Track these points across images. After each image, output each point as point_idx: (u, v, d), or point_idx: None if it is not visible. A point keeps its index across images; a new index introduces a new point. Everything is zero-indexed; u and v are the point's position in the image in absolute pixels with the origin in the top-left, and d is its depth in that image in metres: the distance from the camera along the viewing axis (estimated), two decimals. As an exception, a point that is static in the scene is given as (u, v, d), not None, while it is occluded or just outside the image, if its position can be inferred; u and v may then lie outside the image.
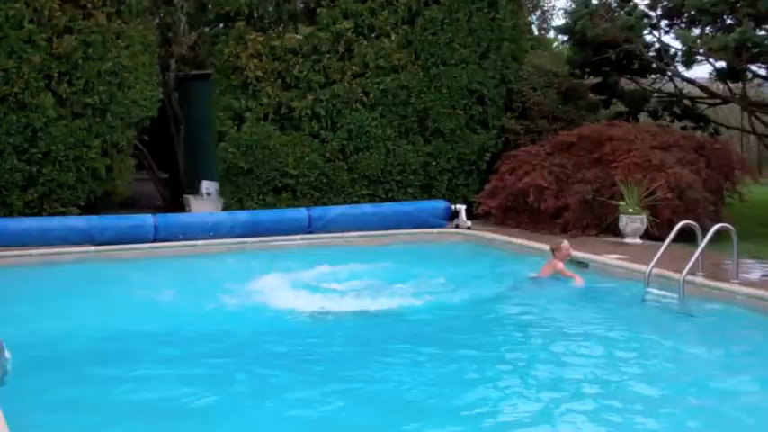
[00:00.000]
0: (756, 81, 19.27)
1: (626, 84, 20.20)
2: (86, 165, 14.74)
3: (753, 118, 18.89)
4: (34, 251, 12.54)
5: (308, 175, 15.58)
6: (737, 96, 18.70)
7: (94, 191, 15.04)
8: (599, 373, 7.26)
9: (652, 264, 9.95)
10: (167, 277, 11.26)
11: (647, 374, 7.24)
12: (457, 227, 14.93)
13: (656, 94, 19.73)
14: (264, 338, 8.60)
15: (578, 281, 10.84)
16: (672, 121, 19.27)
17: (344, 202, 15.52)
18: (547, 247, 11.55)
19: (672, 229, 10.42)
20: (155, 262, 12.66)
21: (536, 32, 24.18)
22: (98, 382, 7.08)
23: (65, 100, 14.53)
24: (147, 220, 13.81)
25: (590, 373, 7.21)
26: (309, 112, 15.62)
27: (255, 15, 15.80)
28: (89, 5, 14.63)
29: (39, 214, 14.32)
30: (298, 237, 13.75)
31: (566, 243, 11.24)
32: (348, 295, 9.88)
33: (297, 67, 15.60)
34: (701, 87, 19.38)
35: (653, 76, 19.68)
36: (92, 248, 12.88)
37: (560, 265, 11.05)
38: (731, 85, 18.85)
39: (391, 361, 7.70)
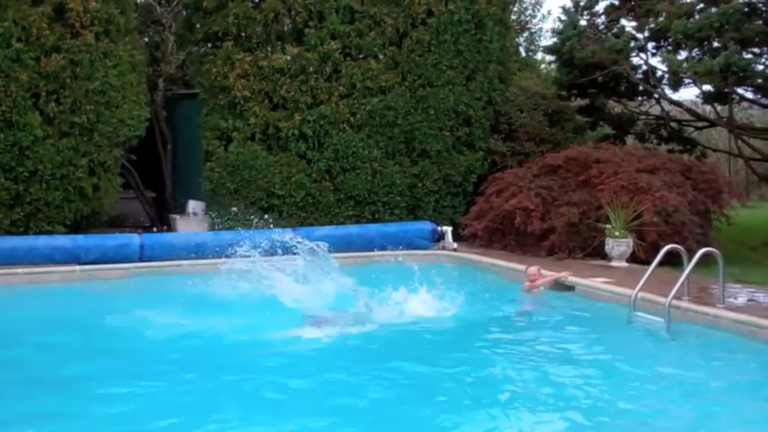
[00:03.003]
0: (744, 104, 19.35)
1: (613, 106, 20.27)
2: (73, 184, 14.72)
3: (740, 141, 18.95)
4: (20, 270, 12.51)
5: (294, 195, 15.57)
6: (724, 119, 18.77)
7: (81, 210, 15.01)
8: (582, 396, 7.24)
9: (638, 287, 9.95)
10: (153, 296, 11.22)
11: (629, 398, 7.22)
12: (443, 248, 14.94)
13: (642, 117, 19.81)
14: (255, 354, 8.60)
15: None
16: (659, 144, 19.35)
17: (330, 223, 15.51)
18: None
19: (658, 252, 10.43)
20: (140, 281, 12.62)
21: (523, 54, 24.30)
22: (83, 401, 7.05)
23: (52, 119, 14.51)
24: (134, 239, 13.77)
25: (572, 396, 7.20)
26: (296, 132, 15.63)
27: (243, 36, 15.87)
28: (77, 24, 14.64)
29: (25, 233, 14.27)
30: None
31: (531, 269, 11.71)
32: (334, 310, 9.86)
33: (284, 87, 15.62)
34: (688, 110, 19.48)
35: (640, 99, 19.74)
36: (77, 268, 12.85)
37: (525, 286, 11.50)
38: (718, 108, 18.92)
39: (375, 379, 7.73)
